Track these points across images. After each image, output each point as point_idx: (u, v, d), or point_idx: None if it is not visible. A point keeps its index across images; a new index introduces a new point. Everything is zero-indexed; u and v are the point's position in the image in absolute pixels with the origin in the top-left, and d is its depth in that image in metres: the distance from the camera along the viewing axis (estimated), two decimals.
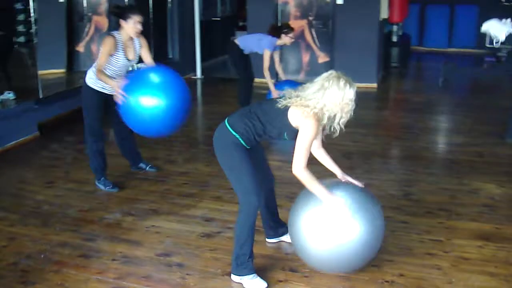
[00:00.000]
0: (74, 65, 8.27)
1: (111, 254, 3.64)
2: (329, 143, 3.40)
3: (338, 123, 3.00)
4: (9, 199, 4.62)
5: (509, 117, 6.17)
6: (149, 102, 4.03)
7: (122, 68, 4.51)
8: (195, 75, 10.33)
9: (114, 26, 4.54)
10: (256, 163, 3.33)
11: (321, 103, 2.95)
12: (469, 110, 7.85)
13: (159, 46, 9.62)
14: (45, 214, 4.29)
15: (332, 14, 9.28)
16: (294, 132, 3.05)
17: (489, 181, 4.92)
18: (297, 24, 9.45)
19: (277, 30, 6.63)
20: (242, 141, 3.15)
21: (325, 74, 3.02)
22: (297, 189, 4.52)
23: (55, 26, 7.91)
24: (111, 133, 5.18)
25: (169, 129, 4.30)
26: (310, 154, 3.14)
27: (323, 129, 3.13)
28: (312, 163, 3.13)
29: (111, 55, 4.39)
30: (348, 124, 3.09)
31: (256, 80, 7.26)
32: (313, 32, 9.47)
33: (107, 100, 4.60)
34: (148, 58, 4.62)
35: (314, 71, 9.54)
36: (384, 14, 9.46)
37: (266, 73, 6.50)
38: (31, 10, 6.43)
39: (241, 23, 12.94)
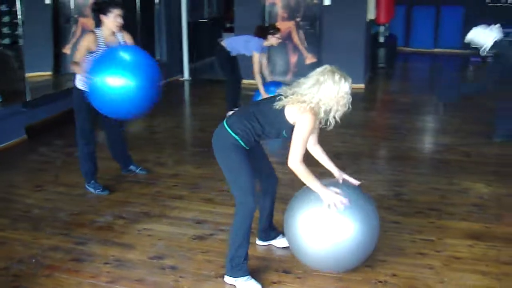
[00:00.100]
0: (61, 67, 8.21)
1: (103, 257, 3.62)
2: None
3: (334, 116, 3.01)
4: None
5: (496, 118, 6.23)
6: (116, 82, 3.84)
7: None
8: (183, 77, 10.32)
9: (99, 26, 4.51)
10: (258, 164, 3.37)
11: (316, 97, 2.96)
12: (456, 110, 7.92)
13: (146, 48, 9.53)
14: (35, 218, 4.26)
15: (320, 15, 9.32)
16: (292, 129, 3.06)
17: (477, 180, 4.97)
18: (284, 25, 9.47)
19: (263, 31, 6.64)
20: (241, 142, 3.15)
21: (319, 69, 3.04)
22: (291, 191, 4.55)
23: (42, 28, 7.85)
24: (101, 135, 5.16)
25: (139, 110, 4.18)
26: (307, 151, 3.16)
27: (319, 123, 3.13)
28: (311, 165, 3.14)
29: (92, 52, 4.36)
30: (336, 125, 3.10)
31: (244, 81, 7.27)
32: (301, 33, 9.49)
33: None
34: None
35: (301, 72, 9.56)
36: (371, 15, 9.52)
37: (257, 76, 6.52)
38: (18, 12, 6.37)
39: (228, 25, 12.94)
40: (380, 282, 3.30)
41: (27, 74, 6.62)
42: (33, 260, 3.58)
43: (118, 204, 4.50)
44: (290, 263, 3.48)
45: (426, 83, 10.89)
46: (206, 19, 12.42)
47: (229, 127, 3.17)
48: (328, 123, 3.04)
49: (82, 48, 4.34)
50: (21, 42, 6.50)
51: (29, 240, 3.88)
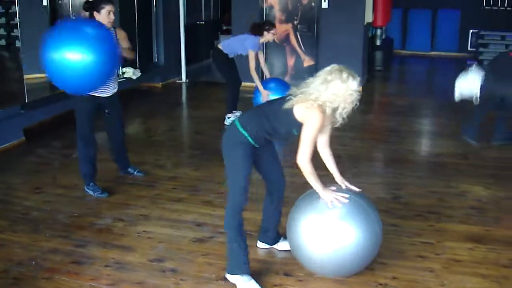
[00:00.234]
0: None
1: (103, 260, 3.62)
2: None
3: (341, 114, 3.05)
4: None
5: (496, 121, 6.19)
6: (73, 57, 3.68)
7: None
8: (180, 79, 10.31)
9: None
10: (266, 166, 3.46)
11: (324, 95, 3.01)
12: (453, 113, 7.93)
13: (144, 50, 9.59)
14: (34, 220, 4.24)
15: (317, 18, 9.33)
16: (301, 128, 3.11)
17: (475, 183, 4.99)
18: (282, 28, 9.49)
19: (258, 28, 6.65)
20: (250, 140, 3.21)
21: (327, 68, 3.09)
22: (290, 193, 4.55)
23: (39, 29, 7.83)
24: (99, 137, 5.14)
25: (95, 85, 4.08)
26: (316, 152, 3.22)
27: (333, 123, 3.18)
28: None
29: None
30: (336, 127, 3.17)
31: (242, 84, 7.27)
32: (298, 36, 9.51)
33: (100, 105, 4.60)
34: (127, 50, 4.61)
35: (299, 74, 9.58)
36: (368, 18, 9.54)
37: (253, 73, 6.54)
38: (17, 13, 6.36)
39: (225, 27, 12.96)
40: (381, 285, 3.31)
41: (25, 76, 6.60)
42: (33, 263, 3.57)
43: (117, 207, 4.49)
44: (292, 266, 3.49)
45: (423, 85, 10.92)
46: (203, 21, 12.42)
47: (240, 124, 3.22)
48: (335, 120, 3.09)
49: None
50: (18, 43, 6.49)
51: (29, 243, 3.86)
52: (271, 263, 3.58)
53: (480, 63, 11.84)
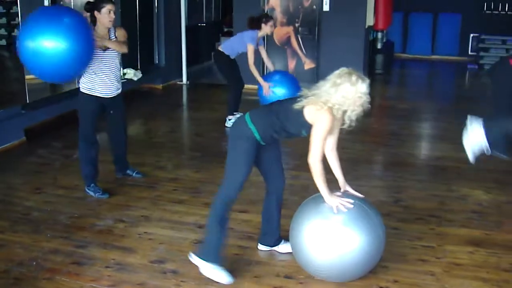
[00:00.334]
0: None
1: (104, 261, 3.62)
2: None
3: (350, 116, 3.10)
4: None
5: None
6: (48, 45, 3.72)
7: (103, 61, 4.49)
8: (181, 81, 10.32)
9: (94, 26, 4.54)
10: (268, 165, 3.50)
11: (334, 98, 3.06)
12: (453, 117, 7.93)
13: (145, 52, 9.59)
14: (35, 221, 4.24)
15: (318, 21, 9.34)
16: (311, 129, 3.17)
17: (476, 187, 4.99)
18: (283, 30, 9.50)
19: (256, 22, 6.66)
20: (257, 136, 3.25)
21: (337, 71, 3.14)
22: (289, 195, 4.56)
23: None
24: (100, 137, 5.14)
25: (71, 74, 4.13)
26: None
27: (342, 124, 3.21)
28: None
29: None
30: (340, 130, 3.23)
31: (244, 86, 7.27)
32: (299, 39, 9.52)
33: (103, 106, 4.61)
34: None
35: (300, 77, 9.53)
36: (369, 21, 9.55)
37: (252, 67, 6.58)
38: (19, 14, 6.37)
39: (226, 29, 12.96)
40: None
41: (26, 76, 6.60)
42: (34, 263, 3.57)
43: (118, 208, 4.49)
44: (292, 268, 3.48)
45: (423, 89, 10.93)
46: (204, 23, 12.43)
47: (249, 119, 3.27)
48: (344, 122, 3.14)
49: None
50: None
51: (29, 243, 3.86)
52: (272, 265, 3.58)
53: (481, 68, 11.89)
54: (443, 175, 5.36)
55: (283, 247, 3.68)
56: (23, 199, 4.68)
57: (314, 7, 9.35)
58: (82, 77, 4.55)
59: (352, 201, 3.21)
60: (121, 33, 4.59)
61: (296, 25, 9.53)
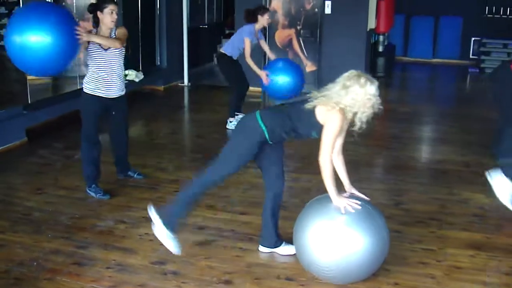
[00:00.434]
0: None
1: (105, 262, 3.62)
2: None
3: (360, 118, 3.15)
4: None
5: (502, 136, 5.91)
6: (34, 39, 3.73)
7: (105, 61, 4.52)
8: (183, 82, 10.32)
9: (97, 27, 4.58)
10: (269, 165, 3.53)
11: (345, 100, 3.12)
12: (454, 120, 7.95)
13: (147, 53, 9.60)
14: (36, 221, 4.25)
15: (320, 23, 9.35)
16: (321, 129, 3.21)
17: (477, 191, 4.98)
18: (285, 33, 9.50)
19: (252, 15, 6.67)
20: (266, 134, 3.29)
21: (345, 74, 3.20)
22: (289, 198, 4.56)
23: None
24: (103, 138, 5.14)
25: (55, 66, 4.07)
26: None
27: (351, 125, 3.25)
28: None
29: (86, 48, 4.46)
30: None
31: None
32: (301, 41, 9.52)
33: (107, 106, 4.61)
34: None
35: None
36: (371, 24, 9.55)
37: (249, 60, 6.61)
38: None
39: (228, 31, 12.97)
40: None
41: (28, 77, 6.61)
42: (34, 263, 3.58)
43: (119, 209, 4.50)
44: (293, 271, 3.49)
45: (425, 92, 10.93)
46: (206, 25, 12.44)
47: (260, 117, 3.32)
48: (354, 124, 3.19)
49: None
50: None
51: (30, 243, 3.87)
52: (273, 267, 3.58)
53: (482, 71, 11.89)
54: (444, 179, 5.36)
55: (284, 249, 3.68)
56: (24, 199, 4.69)
57: (316, 9, 9.36)
58: (85, 77, 4.58)
59: (359, 202, 3.23)
60: (121, 31, 4.60)
61: (298, 27, 9.54)
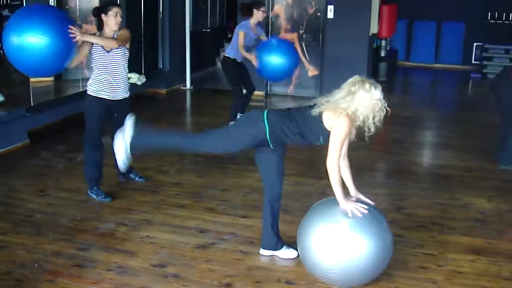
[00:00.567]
0: (63, 73, 8.22)
1: (105, 264, 3.62)
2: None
3: (374, 122, 3.17)
4: None
5: (506, 141, 5.80)
6: (32, 41, 3.80)
7: (108, 63, 4.53)
8: (185, 86, 10.34)
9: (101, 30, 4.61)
10: (268, 167, 3.56)
11: (352, 106, 3.14)
12: (456, 125, 7.95)
13: (149, 57, 9.62)
14: (37, 223, 4.25)
15: (323, 28, 9.36)
16: (329, 135, 3.23)
17: (479, 196, 4.99)
18: (287, 37, 9.50)
19: (247, 9, 6.71)
20: (267, 131, 3.31)
21: (349, 80, 3.22)
22: (291, 202, 4.57)
23: None
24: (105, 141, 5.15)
25: (52, 67, 4.15)
26: None
27: (355, 133, 3.29)
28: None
29: (90, 51, 4.50)
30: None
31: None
32: (303, 46, 9.53)
33: (110, 109, 4.63)
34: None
35: (303, 84, 9.61)
36: (373, 29, 9.57)
37: (242, 50, 6.67)
38: None
39: (230, 35, 12.98)
40: None
41: (31, 79, 6.63)
42: (36, 265, 3.58)
43: (120, 211, 4.50)
44: (294, 274, 3.49)
45: (427, 97, 10.93)
46: (209, 28, 12.46)
47: (266, 115, 3.35)
48: (368, 130, 3.20)
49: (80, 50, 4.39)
50: None
51: (31, 245, 3.87)
52: (274, 270, 3.58)
53: (484, 77, 11.89)
54: (446, 183, 5.36)
55: (285, 253, 3.68)
56: (26, 201, 4.70)
57: (319, 14, 9.38)
58: (89, 80, 4.60)
59: (366, 206, 3.23)
60: (122, 32, 4.62)
61: (301, 32, 9.55)
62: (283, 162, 3.61)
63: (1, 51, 7.09)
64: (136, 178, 5.18)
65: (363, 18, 9.17)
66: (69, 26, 3.96)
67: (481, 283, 3.46)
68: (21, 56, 3.89)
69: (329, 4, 9.16)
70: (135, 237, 4.05)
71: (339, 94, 3.21)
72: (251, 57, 6.61)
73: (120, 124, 4.86)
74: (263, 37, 6.93)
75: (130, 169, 5.18)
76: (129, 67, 4.77)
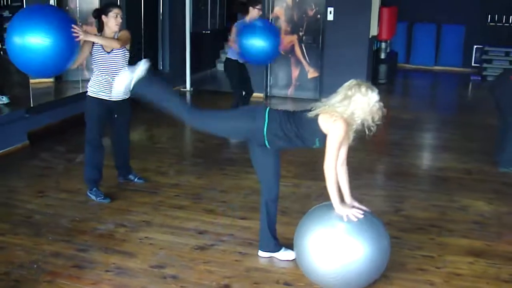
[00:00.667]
0: (63, 75, 8.23)
1: (104, 265, 3.63)
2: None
3: (372, 124, 3.20)
4: None
5: (505, 143, 5.81)
6: (33, 41, 3.79)
7: (108, 63, 4.55)
8: (185, 87, 10.35)
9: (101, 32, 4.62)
10: (265, 170, 3.58)
11: (349, 110, 3.15)
12: (456, 128, 7.96)
13: (149, 58, 9.60)
14: (36, 224, 4.26)
15: (323, 30, 9.38)
16: (325, 138, 3.23)
17: (478, 198, 4.99)
18: (287, 39, 9.53)
19: (243, 7, 6.73)
20: (265, 126, 3.32)
21: (345, 84, 3.22)
22: (289, 204, 4.57)
23: None
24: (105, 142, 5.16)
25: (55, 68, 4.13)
26: None
27: (370, 131, 3.28)
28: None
29: (91, 52, 4.51)
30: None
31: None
32: (303, 47, 9.55)
33: (111, 109, 4.64)
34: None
35: (303, 86, 9.64)
36: (373, 31, 9.58)
37: (232, 44, 6.69)
38: None
39: (229, 37, 13.00)
40: None
41: (31, 80, 6.63)
42: (34, 266, 3.58)
43: (119, 212, 4.50)
44: (292, 276, 3.49)
45: (427, 100, 10.94)
46: (209, 30, 12.48)
47: (268, 110, 3.38)
48: (369, 131, 3.23)
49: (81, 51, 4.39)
50: None
51: (30, 246, 3.88)
52: (272, 272, 3.58)
53: (484, 79, 11.90)
54: (445, 186, 5.36)
55: (284, 254, 3.69)
56: (25, 202, 4.70)
57: (319, 16, 9.39)
58: (90, 81, 4.61)
59: (361, 211, 3.24)
60: (123, 33, 4.63)
61: (300, 33, 9.56)
62: (279, 164, 3.62)
63: (1, 52, 7.13)
64: (135, 179, 5.18)
65: (363, 20, 9.19)
66: (72, 25, 3.97)
67: (480, 286, 3.46)
68: (24, 57, 3.88)
69: (329, 6, 9.18)
70: (134, 238, 4.05)
71: (335, 98, 3.21)
72: (232, 42, 6.63)
73: (121, 124, 4.89)
74: None
75: (130, 170, 5.19)
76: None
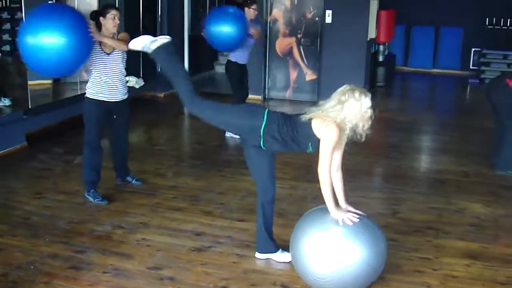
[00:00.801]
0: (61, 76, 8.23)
1: (102, 266, 3.63)
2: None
3: (363, 130, 3.21)
4: None
5: (502, 146, 5.81)
6: (47, 41, 3.77)
7: (107, 65, 4.56)
8: None
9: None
10: (260, 173, 3.60)
11: (341, 115, 3.16)
12: (454, 130, 7.97)
13: (147, 60, 9.61)
14: (34, 225, 4.26)
15: (321, 32, 9.39)
16: (318, 143, 3.25)
17: (475, 200, 5.00)
18: (285, 41, 9.54)
19: (241, 6, 6.72)
20: (263, 125, 3.33)
21: (339, 89, 3.24)
22: (286, 206, 4.58)
23: None
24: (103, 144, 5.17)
25: (68, 68, 4.12)
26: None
27: (355, 137, 3.29)
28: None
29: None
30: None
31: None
32: (302, 50, 9.56)
33: (109, 110, 4.64)
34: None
35: (301, 88, 9.64)
36: (371, 34, 9.59)
37: None
38: (23, 20, 6.41)
39: None
40: None
41: (29, 82, 6.64)
42: (32, 267, 3.59)
43: (117, 214, 4.51)
44: (289, 277, 3.50)
45: (425, 102, 10.95)
46: None
47: (267, 111, 3.40)
48: (359, 137, 3.24)
49: None
50: None
51: (28, 247, 3.88)
52: (269, 273, 3.59)
53: (482, 82, 11.92)
54: (443, 188, 5.37)
55: (280, 256, 3.69)
56: (23, 203, 4.71)
57: (317, 18, 9.40)
58: (88, 83, 4.62)
59: (357, 215, 3.25)
60: (123, 35, 4.64)
61: (299, 36, 9.57)
62: (274, 165, 3.63)
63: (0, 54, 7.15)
64: (133, 181, 5.19)
65: (361, 23, 9.19)
66: (89, 25, 3.99)
67: None
68: (38, 57, 3.85)
69: (327, 9, 9.19)
70: (132, 239, 4.06)
71: (329, 103, 3.23)
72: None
73: (119, 125, 4.89)
74: (257, 30, 6.93)
75: (128, 172, 5.20)
76: (126, 70, 4.79)
